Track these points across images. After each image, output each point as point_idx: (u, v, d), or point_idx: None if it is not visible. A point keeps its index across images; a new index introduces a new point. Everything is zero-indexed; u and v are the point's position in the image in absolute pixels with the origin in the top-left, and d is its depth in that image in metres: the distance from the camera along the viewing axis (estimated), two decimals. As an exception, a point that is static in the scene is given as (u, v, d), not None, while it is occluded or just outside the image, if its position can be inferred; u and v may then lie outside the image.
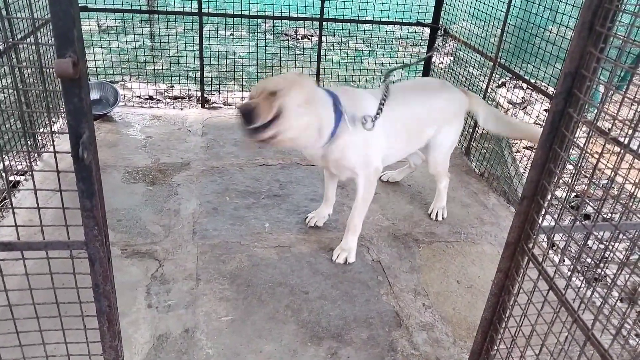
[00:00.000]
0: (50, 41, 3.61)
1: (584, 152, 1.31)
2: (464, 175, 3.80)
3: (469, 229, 3.13)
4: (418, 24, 4.81)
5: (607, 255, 2.69)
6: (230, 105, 4.85)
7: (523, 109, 5.16)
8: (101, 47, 4.67)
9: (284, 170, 3.64)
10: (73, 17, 1.05)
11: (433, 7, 4.67)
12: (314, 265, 2.70)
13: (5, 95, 3.11)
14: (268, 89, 2.26)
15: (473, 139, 3.99)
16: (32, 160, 3.35)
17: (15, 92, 3.14)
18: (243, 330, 2.24)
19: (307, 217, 3.05)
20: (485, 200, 3.47)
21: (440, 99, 2.93)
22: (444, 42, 4.30)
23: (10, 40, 2.99)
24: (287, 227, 3.00)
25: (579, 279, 2.69)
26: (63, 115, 4.04)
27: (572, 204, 3.63)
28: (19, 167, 3.27)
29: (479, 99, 3.19)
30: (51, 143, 3.67)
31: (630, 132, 1.14)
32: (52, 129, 3.75)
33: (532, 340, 1.48)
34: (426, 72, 4.75)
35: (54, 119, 3.95)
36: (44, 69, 3.39)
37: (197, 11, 4.31)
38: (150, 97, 4.89)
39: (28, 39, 3.25)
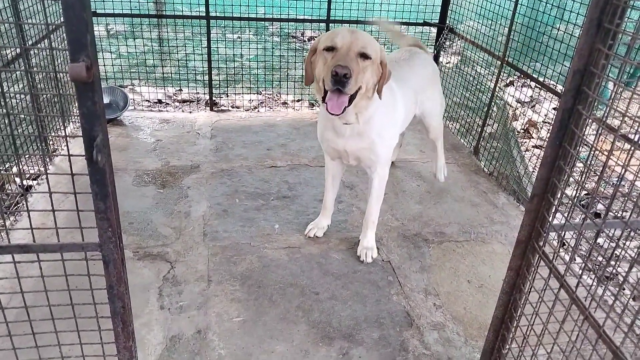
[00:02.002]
0: (61, 46, 3.66)
1: (593, 149, 1.31)
2: (473, 174, 3.79)
3: (479, 228, 3.13)
4: (425, 23, 4.81)
5: (618, 253, 2.68)
6: (238, 108, 4.87)
7: (532, 107, 5.14)
8: (110, 52, 4.72)
9: (292, 172, 3.66)
10: (86, 22, 1.07)
11: (440, 7, 4.68)
12: (324, 265, 2.71)
13: (18, 100, 3.15)
14: (357, 50, 2.19)
15: (482, 139, 3.98)
16: (45, 164, 3.39)
17: (28, 97, 3.18)
18: (255, 331, 2.25)
19: (306, 230, 2.97)
20: (495, 199, 3.47)
21: (417, 66, 3.05)
22: (450, 42, 4.30)
23: (25, 45, 3.03)
24: (296, 228, 3.01)
25: (590, 277, 2.67)
26: (73, 120, 4.08)
27: (582, 202, 3.61)
28: (32, 171, 3.31)
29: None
30: (62, 147, 3.72)
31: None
32: (65, 133, 3.79)
33: (544, 338, 1.48)
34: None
35: (64, 123, 3.99)
36: (57, 74, 3.43)
37: (204, 15, 4.34)
38: (159, 101, 4.93)
39: (40, 44, 3.30)
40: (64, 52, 3.71)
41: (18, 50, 3.00)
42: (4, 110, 2.64)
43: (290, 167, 3.72)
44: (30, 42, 3.18)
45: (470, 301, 2.53)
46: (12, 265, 1.37)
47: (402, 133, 3.50)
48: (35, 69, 3.33)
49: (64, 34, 3.68)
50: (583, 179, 1.42)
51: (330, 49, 2.22)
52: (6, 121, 2.86)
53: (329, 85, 2.14)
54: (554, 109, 4.36)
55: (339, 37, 2.20)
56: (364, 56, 2.22)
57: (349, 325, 2.32)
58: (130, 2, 4.32)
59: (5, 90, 2.80)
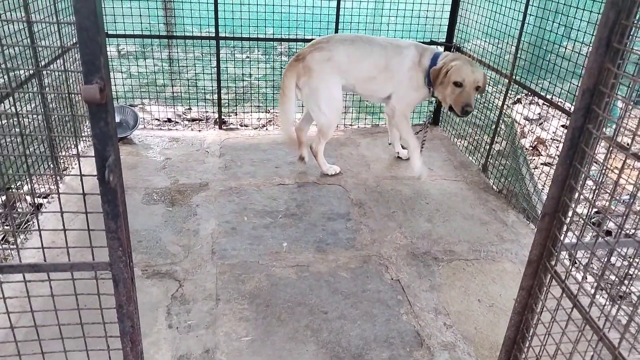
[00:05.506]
0: (73, 67, 3.72)
1: (604, 167, 1.30)
2: (482, 192, 3.77)
3: (488, 246, 3.10)
4: (432, 42, 4.84)
5: (631, 272, 2.64)
6: (246, 127, 4.90)
7: (540, 125, 5.13)
8: (121, 72, 4.79)
9: (300, 190, 3.66)
10: (100, 45, 1.09)
11: (447, 26, 4.71)
12: (332, 284, 2.69)
13: (30, 120, 3.19)
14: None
15: (490, 156, 3.97)
16: (57, 182, 3.42)
17: (41, 117, 3.23)
18: (263, 350, 2.23)
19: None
20: (505, 217, 3.44)
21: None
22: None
23: (38, 66, 3.08)
24: (304, 247, 3.00)
25: (603, 297, 2.64)
26: (84, 139, 4.13)
27: (593, 220, 3.58)
28: (42, 190, 3.34)
29: None
30: (72, 166, 3.76)
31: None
32: (76, 153, 3.83)
33: (557, 359, 1.46)
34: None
35: (75, 142, 4.04)
36: (69, 95, 3.47)
37: (214, 35, 4.40)
38: (169, 120, 4.97)
39: (53, 65, 3.35)
40: (77, 72, 3.77)
41: (31, 70, 3.06)
42: (17, 130, 2.68)
43: (298, 185, 3.73)
44: (43, 63, 3.24)
45: (481, 321, 2.50)
46: (21, 283, 1.38)
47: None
48: (47, 89, 3.38)
49: (77, 54, 3.75)
50: (594, 197, 1.41)
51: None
52: (19, 140, 2.90)
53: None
54: (563, 126, 4.35)
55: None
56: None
57: (358, 345, 2.30)
58: (141, 23, 4.39)
59: (18, 111, 2.85)
